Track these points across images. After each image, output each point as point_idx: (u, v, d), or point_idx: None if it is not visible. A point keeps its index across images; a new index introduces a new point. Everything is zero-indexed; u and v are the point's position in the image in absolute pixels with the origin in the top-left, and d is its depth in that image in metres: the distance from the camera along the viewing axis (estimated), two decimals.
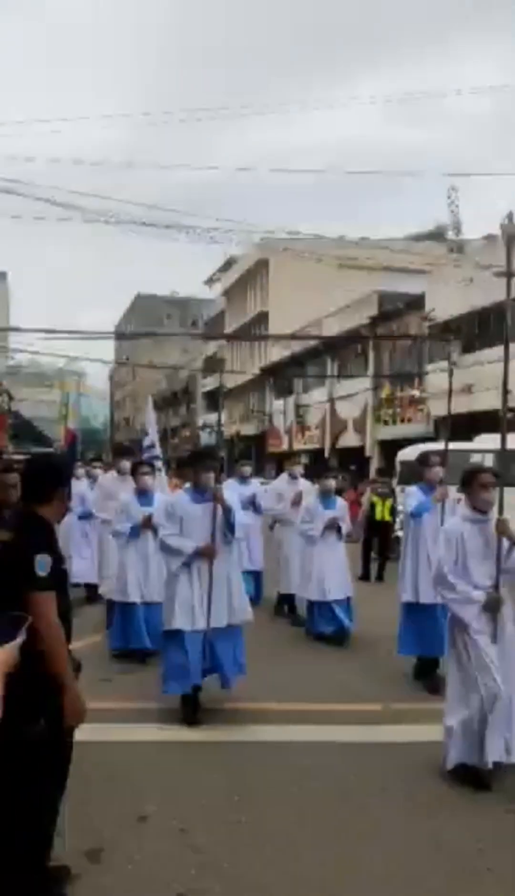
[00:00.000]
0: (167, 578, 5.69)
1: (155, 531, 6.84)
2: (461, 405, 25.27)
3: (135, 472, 7.63)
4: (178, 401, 65.30)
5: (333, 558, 8.21)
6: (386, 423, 30.38)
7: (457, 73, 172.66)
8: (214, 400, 54.51)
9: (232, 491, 10.40)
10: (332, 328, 34.17)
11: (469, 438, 20.07)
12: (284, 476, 10.07)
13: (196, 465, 5.81)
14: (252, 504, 9.76)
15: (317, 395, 37.43)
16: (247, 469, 10.81)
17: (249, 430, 47.04)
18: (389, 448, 27.73)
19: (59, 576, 3.09)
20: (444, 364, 26.52)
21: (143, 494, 7.43)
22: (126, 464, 8.70)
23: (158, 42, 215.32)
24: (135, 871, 3.44)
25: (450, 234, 33.52)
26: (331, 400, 35.23)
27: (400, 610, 6.72)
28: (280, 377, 42.65)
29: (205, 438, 52.72)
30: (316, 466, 21.54)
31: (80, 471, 11.53)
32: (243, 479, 10.41)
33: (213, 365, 51.99)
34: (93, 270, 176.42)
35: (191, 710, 5.44)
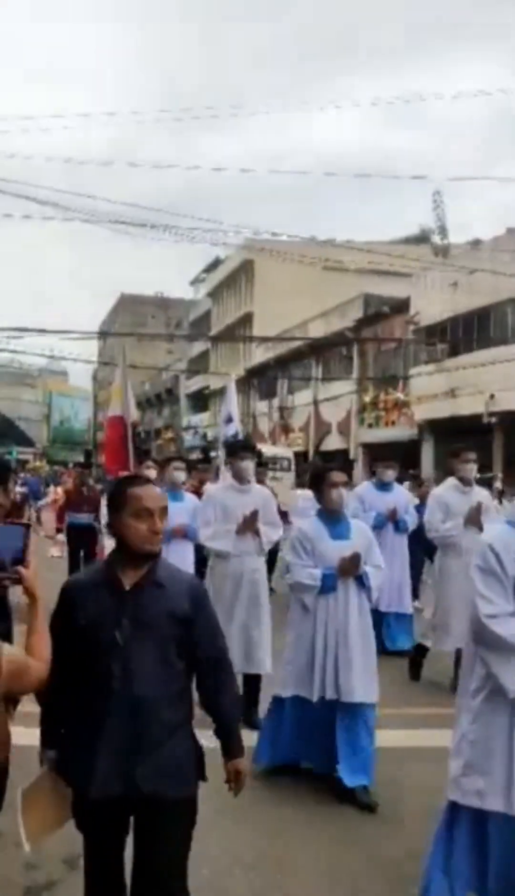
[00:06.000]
0: (479, 697, 3.00)
1: (360, 581, 4.46)
2: (445, 409, 25.42)
3: (320, 481, 4.56)
4: (162, 402, 65.29)
5: None
6: (370, 425, 30.46)
7: (443, 78, 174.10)
8: (199, 401, 54.54)
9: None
10: (318, 330, 34.24)
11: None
12: (450, 482, 6.96)
13: None
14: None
15: (301, 398, 37.51)
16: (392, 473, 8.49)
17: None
18: (374, 451, 27.80)
19: None
20: (429, 368, 26.68)
21: (335, 521, 4.55)
22: (248, 465, 5.85)
23: (138, 44, 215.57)
24: None
25: (436, 239, 33.63)
26: (315, 402, 35.29)
27: None
28: (264, 379, 42.71)
29: (189, 440, 52.70)
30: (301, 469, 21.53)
31: (150, 471, 8.33)
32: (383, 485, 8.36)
33: (198, 366, 51.98)
34: (76, 269, 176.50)
35: None
